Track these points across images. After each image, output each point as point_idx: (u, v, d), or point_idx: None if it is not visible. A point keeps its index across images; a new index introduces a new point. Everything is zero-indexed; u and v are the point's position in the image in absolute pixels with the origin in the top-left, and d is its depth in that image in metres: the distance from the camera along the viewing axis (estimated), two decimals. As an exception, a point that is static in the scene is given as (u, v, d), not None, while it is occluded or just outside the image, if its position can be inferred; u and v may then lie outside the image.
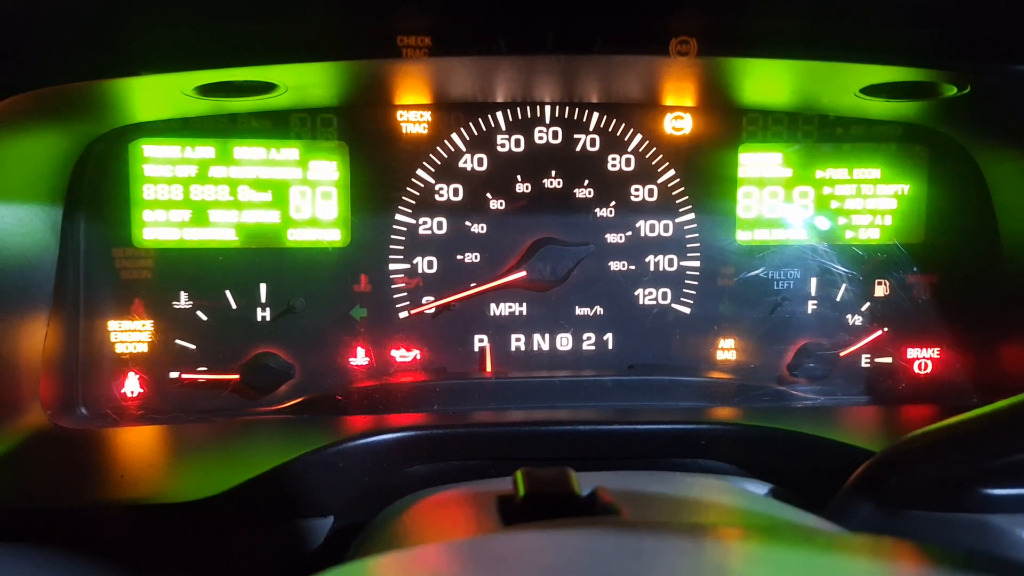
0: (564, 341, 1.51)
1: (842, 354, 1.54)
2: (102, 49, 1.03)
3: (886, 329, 1.55)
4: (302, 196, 1.44)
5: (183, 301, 1.42)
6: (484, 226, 1.47)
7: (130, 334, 1.42)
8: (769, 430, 1.24)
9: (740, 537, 0.67)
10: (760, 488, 1.15)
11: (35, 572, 1.00)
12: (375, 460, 1.15)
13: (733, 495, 0.91)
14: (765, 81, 1.35)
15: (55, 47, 1.02)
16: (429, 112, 1.44)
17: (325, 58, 1.14)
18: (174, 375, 1.42)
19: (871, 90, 1.30)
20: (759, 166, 1.51)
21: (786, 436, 1.23)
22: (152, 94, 1.22)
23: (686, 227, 1.50)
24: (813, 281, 1.54)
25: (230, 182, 1.42)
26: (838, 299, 1.54)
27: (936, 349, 1.55)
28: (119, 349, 1.41)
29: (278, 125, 1.42)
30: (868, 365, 1.56)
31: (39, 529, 1.00)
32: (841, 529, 0.84)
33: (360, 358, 1.46)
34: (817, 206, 1.53)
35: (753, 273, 1.52)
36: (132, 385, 1.42)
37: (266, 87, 1.22)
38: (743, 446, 1.24)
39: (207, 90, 1.19)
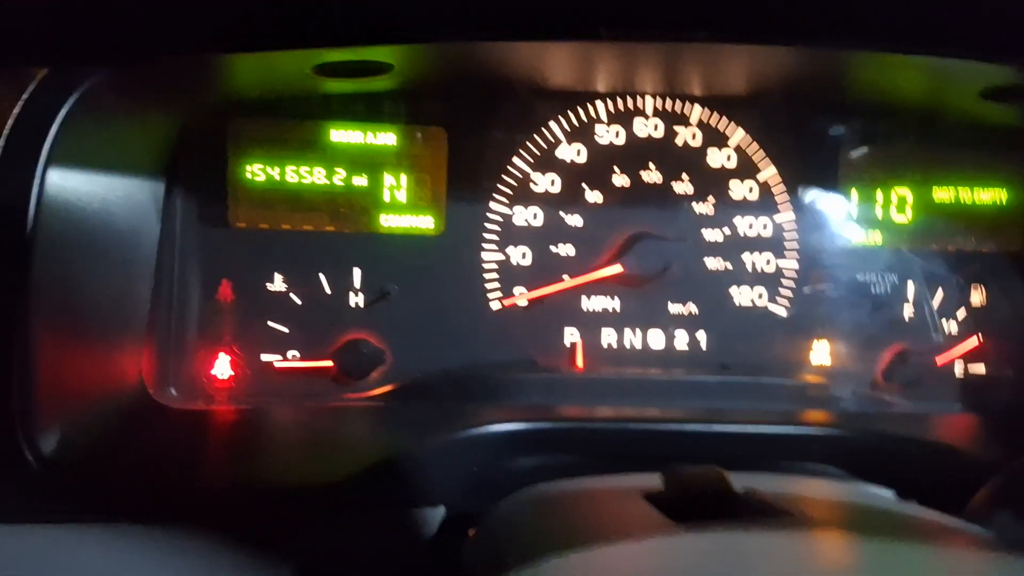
0: (656, 338, 1.48)
1: (938, 362, 1.50)
2: (231, 23, 1.01)
3: (983, 337, 1.51)
4: (397, 181, 1.42)
5: (277, 284, 1.41)
6: (580, 218, 1.45)
7: (223, 315, 1.40)
8: (885, 435, 1.21)
9: (929, 544, 0.64)
10: (886, 493, 1.12)
11: (149, 553, 0.99)
12: (487, 451, 1.13)
13: (878, 500, 0.89)
14: (880, 77, 1.32)
15: (182, 18, 1.00)
16: (530, 100, 1.42)
17: (439, 38, 1.12)
18: (266, 358, 1.41)
19: (993, 93, 1.27)
20: (862, 166, 1.48)
21: (903, 441, 1.20)
22: (268, 72, 1.21)
23: (785, 226, 1.47)
24: (911, 286, 1.51)
25: (326, 164, 1.40)
26: (935, 305, 1.51)
27: (1034, 359, 1.52)
28: (211, 330, 1.40)
29: (376, 108, 1.40)
30: (963, 374, 1.53)
31: (149, 510, 0.99)
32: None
33: (450, 347, 1.44)
34: (918, 210, 1.50)
35: (851, 276, 1.49)
36: (223, 367, 1.40)
37: (380, 68, 1.20)
38: (854, 450, 1.21)
39: (324, 70, 1.18)
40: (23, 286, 0.96)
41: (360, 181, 1.42)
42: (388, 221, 1.42)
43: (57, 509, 0.97)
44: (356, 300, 1.42)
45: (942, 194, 1.51)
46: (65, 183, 1.02)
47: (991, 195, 1.51)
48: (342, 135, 1.40)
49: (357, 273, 1.42)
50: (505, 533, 0.92)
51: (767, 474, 1.03)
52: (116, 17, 0.97)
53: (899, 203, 1.50)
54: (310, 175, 1.40)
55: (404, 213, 1.42)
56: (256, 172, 1.39)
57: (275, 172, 1.39)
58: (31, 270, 0.96)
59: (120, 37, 0.98)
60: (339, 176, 1.41)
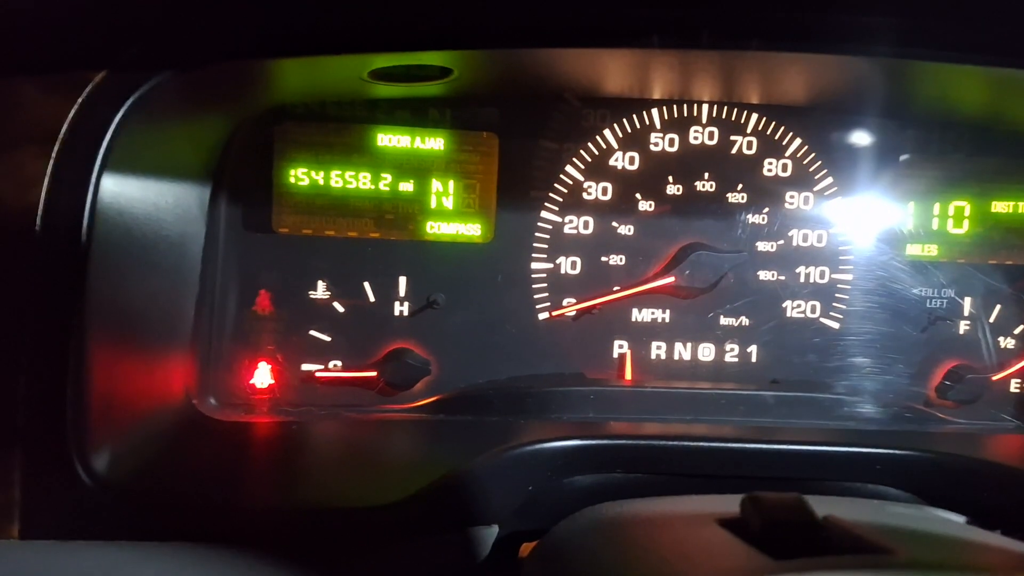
0: (706, 351, 1.45)
1: (994, 378, 1.46)
2: (295, 27, 0.98)
3: (1041, 354, 1.47)
4: (445, 187, 1.38)
5: (320, 291, 1.37)
6: (632, 228, 1.41)
7: (264, 323, 1.37)
8: (948, 455, 1.17)
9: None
10: (958, 518, 1.08)
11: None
12: (544, 468, 1.09)
13: (971, 533, 0.85)
14: (947, 89, 1.29)
15: (244, 23, 0.97)
16: (583, 107, 1.38)
17: (499, 45, 1.09)
18: (308, 368, 1.38)
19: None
20: (919, 177, 1.44)
21: (966, 462, 1.16)
22: (323, 76, 1.17)
23: (840, 238, 1.43)
24: (966, 301, 1.47)
25: (372, 169, 1.37)
26: (991, 320, 1.47)
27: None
28: (252, 338, 1.37)
29: (426, 112, 1.37)
30: (1019, 390, 1.49)
31: (196, 528, 0.96)
32: None
33: (496, 358, 1.41)
34: (976, 222, 1.46)
35: (906, 290, 1.45)
36: (263, 376, 1.37)
37: (439, 73, 1.16)
38: (914, 470, 1.17)
39: (380, 75, 1.14)
40: (77, 297, 0.92)
41: (407, 187, 1.38)
42: (435, 228, 1.39)
43: (107, 526, 0.94)
44: (401, 309, 1.39)
45: (1000, 206, 1.47)
46: (119, 190, 0.98)
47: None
48: (389, 139, 1.37)
49: (403, 281, 1.39)
50: (572, 557, 0.89)
51: (836, 498, 1.00)
52: (176, 21, 0.94)
53: (956, 215, 1.46)
54: (356, 180, 1.37)
55: (452, 220, 1.39)
56: (301, 177, 1.36)
57: (320, 177, 1.36)
58: (85, 280, 0.93)
59: (179, 41, 0.95)
60: (385, 181, 1.38)
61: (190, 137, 1.17)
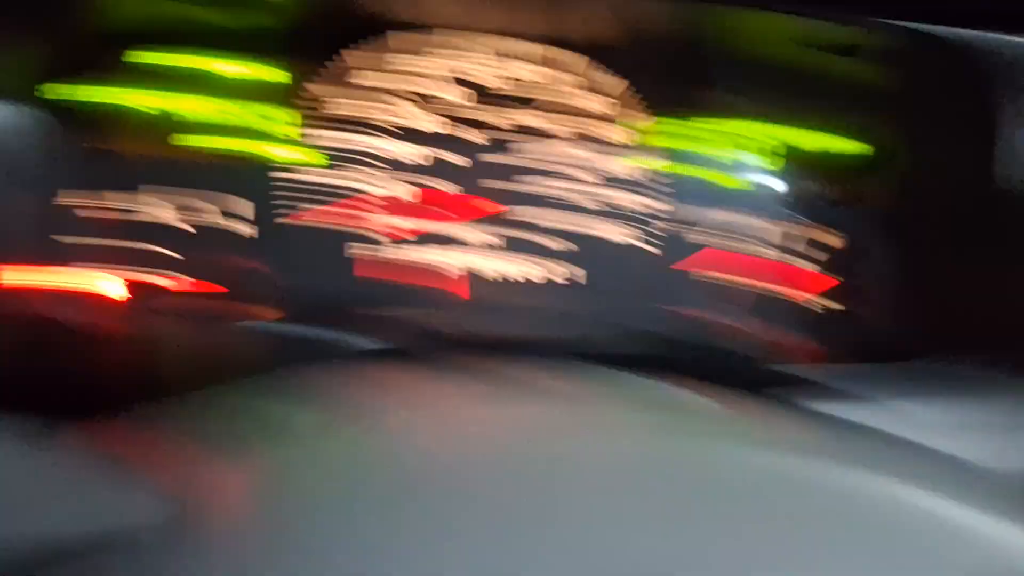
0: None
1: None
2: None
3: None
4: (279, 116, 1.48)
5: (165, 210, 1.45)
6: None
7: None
8: None
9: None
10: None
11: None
12: None
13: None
14: (743, 32, 1.40)
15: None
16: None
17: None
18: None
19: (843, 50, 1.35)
20: (730, 113, 1.56)
21: None
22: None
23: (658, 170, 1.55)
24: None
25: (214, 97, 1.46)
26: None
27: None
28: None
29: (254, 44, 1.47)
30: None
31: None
32: None
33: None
34: (782, 158, 1.58)
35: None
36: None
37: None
38: None
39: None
40: None
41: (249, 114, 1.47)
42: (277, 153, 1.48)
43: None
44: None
45: (806, 143, 1.58)
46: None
47: (848, 147, 1.59)
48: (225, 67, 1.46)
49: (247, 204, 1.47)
50: None
51: None
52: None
53: (767, 151, 1.58)
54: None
55: (293, 148, 1.48)
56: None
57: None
58: None
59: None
60: (221, 108, 1.46)
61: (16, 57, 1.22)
